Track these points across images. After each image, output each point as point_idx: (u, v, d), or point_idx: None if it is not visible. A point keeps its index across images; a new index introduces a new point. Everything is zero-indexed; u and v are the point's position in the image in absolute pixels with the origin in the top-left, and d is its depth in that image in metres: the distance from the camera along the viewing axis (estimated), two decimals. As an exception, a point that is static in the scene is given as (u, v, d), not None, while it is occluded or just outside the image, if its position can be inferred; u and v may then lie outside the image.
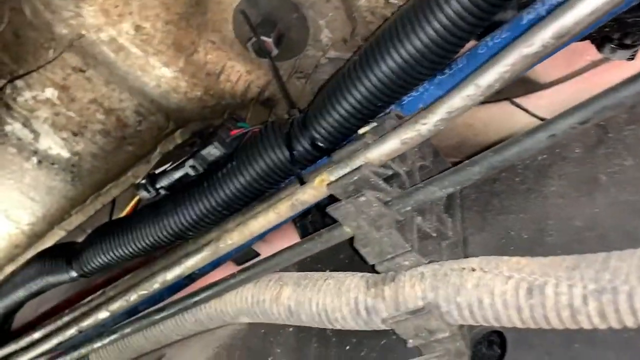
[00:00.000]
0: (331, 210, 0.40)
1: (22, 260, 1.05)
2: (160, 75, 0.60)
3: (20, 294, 0.75)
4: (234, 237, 0.49)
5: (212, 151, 0.54)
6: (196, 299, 0.54)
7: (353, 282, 0.43)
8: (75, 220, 0.92)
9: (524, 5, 0.41)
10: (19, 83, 0.70)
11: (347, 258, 0.55)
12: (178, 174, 0.58)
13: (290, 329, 0.54)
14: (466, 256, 0.43)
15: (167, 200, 0.59)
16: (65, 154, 0.79)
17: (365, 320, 0.42)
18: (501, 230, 0.44)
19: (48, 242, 0.98)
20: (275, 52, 0.53)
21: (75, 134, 0.76)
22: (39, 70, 0.67)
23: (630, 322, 0.31)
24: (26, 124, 0.76)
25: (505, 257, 0.37)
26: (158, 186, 0.60)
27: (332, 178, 0.42)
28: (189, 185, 0.58)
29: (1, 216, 0.96)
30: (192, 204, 0.56)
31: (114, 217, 0.77)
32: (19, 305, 0.81)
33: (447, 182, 0.37)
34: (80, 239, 0.92)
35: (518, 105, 0.48)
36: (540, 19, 0.39)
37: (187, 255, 0.54)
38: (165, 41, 0.56)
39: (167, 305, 0.57)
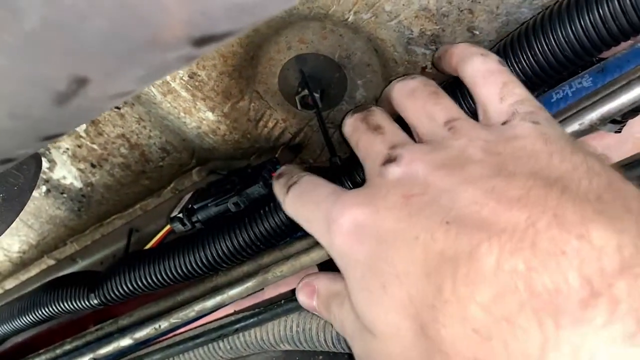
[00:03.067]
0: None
1: (-1, 289, 1.03)
2: (203, 117, 0.65)
3: (25, 319, 0.75)
4: (284, 268, 0.55)
5: (258, 190, 0.59)
6: (237, 326, 0.58)
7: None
8: (69, 249, 0.93)
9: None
10: (49, 114, 0.73)
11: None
12: (218, 209, 0.62)
13: (321, 357, 0.59)
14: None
15: (202, 233, 0.63)
16: (78, 184, 0.82)
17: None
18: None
19: (34, 271, 0.98)
20: (320, 106, 0.60)
21: (93, 166, 0.78)
22: (74, 104, 0.71)
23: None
24: (45, 153, 0.78)
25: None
26: (194, 220, 0.64)
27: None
28: (224, 221, 0.62)
29: (-10, 243, 0.95)
30: (232, 237, 0.60)
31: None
32: (17, 332, 0.81)
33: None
34: (68, 270, 0.93)
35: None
36: (566, 98, 0.49)
37: (230, 284, 0.58)
38: (216, 89, 0.61)
39: (204, 332, 0.60)
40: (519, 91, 0.40)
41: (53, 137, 0.29)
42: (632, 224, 0.28)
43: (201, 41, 0.20)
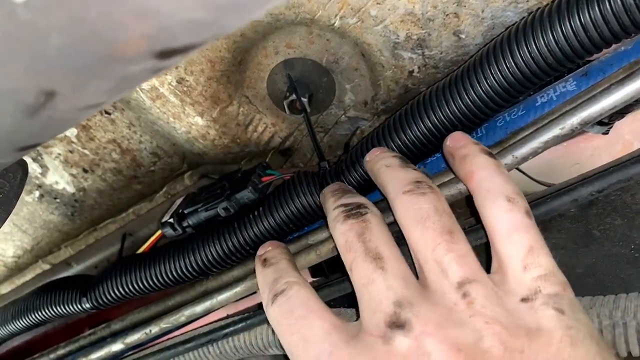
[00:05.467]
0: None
1: (-6, 295, 1.04)
2: (193, 122, 0.65)
3: (19, 323, 0.76)
4: (272, 274, 0.55)
5: (247, 195, 0.60)
6: (226, 331, 0.58)
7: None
8: (64, 254, 0.93)
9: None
10: (41, 120, 0.73)
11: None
12: (208, 214, 0.62)
13: (310, 361, 0.59)
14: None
15: (192, 238, 0.63)
16: (70, 189, 0.82)
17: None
18: (510, 274, 0.52)
19: (29, 276, 0.98)
20: (309, 110, 0.60)
21: (85, 171, 0.79)
22: (65, 109, 0.71)
23: (635, 351, 0.40)
24: (37, 158, 0.79)
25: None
26: (185, 225, 0.64)
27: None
28: (215, 226, 0.62)
29: (-15, 248, 0.95)
30: (221, 242, 0.60)
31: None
32: (11, 336, 0.81)
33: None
34: (63, 274, 0.93)
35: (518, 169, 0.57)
36: (551, 102, 0.49)
37: (220, 289, 0.58)
38: (204, 94, 0.62)
39: (194, 337, 0.60)
40: (545, 261, 0.36)
41: (29, 148, 0.29)
42: None
43: (164, 54, 0.21)
